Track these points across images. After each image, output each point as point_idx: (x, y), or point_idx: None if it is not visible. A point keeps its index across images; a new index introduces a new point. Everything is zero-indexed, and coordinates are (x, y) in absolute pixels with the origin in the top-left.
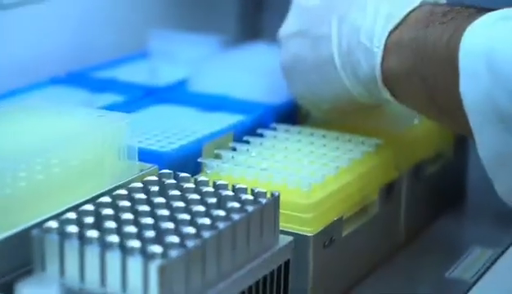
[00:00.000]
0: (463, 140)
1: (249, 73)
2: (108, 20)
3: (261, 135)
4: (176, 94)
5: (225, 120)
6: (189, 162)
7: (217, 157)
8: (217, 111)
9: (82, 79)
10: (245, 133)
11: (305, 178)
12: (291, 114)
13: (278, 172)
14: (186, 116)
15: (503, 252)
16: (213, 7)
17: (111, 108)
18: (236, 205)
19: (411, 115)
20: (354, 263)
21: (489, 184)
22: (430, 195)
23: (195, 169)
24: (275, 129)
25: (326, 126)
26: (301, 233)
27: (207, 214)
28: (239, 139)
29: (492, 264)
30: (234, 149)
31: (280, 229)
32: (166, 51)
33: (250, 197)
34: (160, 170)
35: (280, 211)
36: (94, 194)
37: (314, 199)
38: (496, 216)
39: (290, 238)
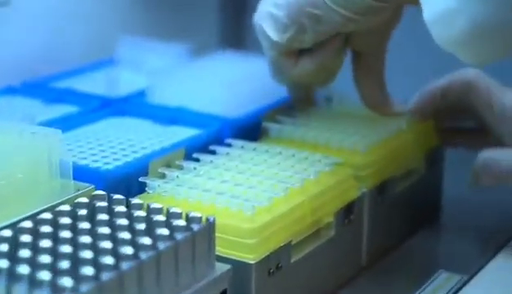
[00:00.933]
0: (436, 156)
1: (210, 84)
2: (78, 26)
3: (213, 152)
4: (133, 106)
5: (180, 134)
6: (133, 180)
7: (163, 176)
8: (174, 124)
9: (38, 89)
10: (199, 149)
11: (250, 200)
12: (251, 129)
13: (222, 194)
14: (139, 130)
15: (472, 277)
16: (195, 12)
17: (63, 119)
18: (165, 232)
19: (378, 133)
20: (306, 290)
21: (465, 202)
22: (399, 214)
23: (141, 188)
24: (229, 145)
25: (287, 142)
26: (242, 260)
27: (131, 242)
28: (191, 155)
29: (459, 290)
30: (181, 168)
31: (221, 255)
32: (133, 58)
33: (183, 223)
34: (99, 189)
35: (222, 236)
36: (17, 218)
37: (258, 223)
38: (470, 236)
39: (228, 267)
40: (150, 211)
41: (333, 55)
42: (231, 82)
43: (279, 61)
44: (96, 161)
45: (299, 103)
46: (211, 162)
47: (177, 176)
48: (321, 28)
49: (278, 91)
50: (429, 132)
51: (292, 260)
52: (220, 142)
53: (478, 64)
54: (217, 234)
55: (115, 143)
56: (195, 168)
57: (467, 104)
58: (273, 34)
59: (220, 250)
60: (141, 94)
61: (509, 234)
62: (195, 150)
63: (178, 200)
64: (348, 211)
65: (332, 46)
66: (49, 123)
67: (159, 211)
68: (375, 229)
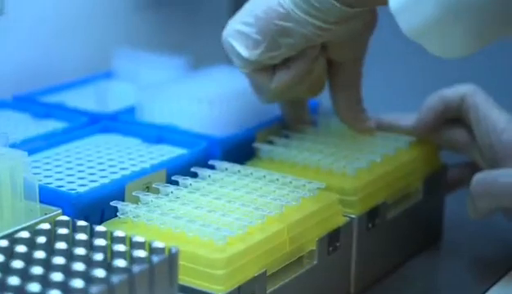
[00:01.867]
0: (437, 180)
1: (201, 102)
2: (76, 38)
3: (194, 175)
4: (121, 123)
5: (164, 154)
6: (107, 204)
7: (137, 200)
8: (160, 143)
9: (28, 103)
10: (182, 170)
11: (221, 229)
12: (242, 149)
13: (194, 221)
14: (124, 148)
15: None
16: (199, 23)
17: (48, 136)
18: (122, 264)
19: (373, 155)
20: None
21: (468, 226)
22: (394, 240)
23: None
24: (213, 167)
25: (276, 164)
26: (211, 292)
27: (84, 275)
28: (174, 176)
29: None
30: (157, 191)
31: (191, 287)
32: (129, 71)
33: (143, 253)
34: (69, 213)
35: (191, 266)
36: None
37: (228, 253)
38: (469, 264)
39: None
40: (113, 240)
41: (309, 67)
42: (224, 98)
43: (254, 78)
44: (72, 182)
45: (293, 122)
46: (190, 185)
47: (151, 201)
48: (292, 41)
49: (273, 109)
50: (430, 155)
51: (268, 291)
52: (207, 163)
53: (445, 54)
54: (186, 264)
55: (95, 163)
56: (172, 192)
57: (462, 118)
58: (244, 52)
59: (190, 281)
60: (130, 110)
61: (509, 264)
62: (177, 171)
63: (149, 227)
64: (332, 239)
65: (307, 57)
66: (34, 140)
67: (121, 239)
68: (365, 256)
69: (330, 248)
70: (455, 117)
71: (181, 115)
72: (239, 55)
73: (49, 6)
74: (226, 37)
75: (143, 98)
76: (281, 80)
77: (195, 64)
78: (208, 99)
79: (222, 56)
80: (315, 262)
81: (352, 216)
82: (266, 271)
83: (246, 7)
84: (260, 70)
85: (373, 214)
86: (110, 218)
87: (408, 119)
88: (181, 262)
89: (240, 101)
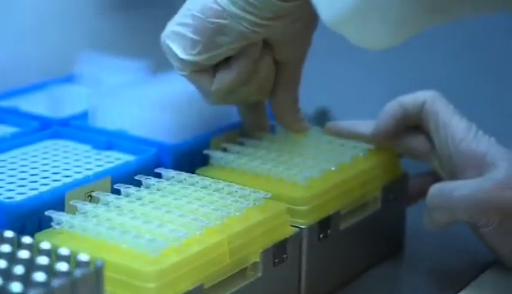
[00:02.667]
0: (397, 188)
1: (152, 107)
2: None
3: (138, 183)
4: (73, 128)
5: (112, 161)
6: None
7: (74, 209)
8: (111, 150)
9: None
10: (128, 178)
11: (156, 240)
12: (194, 156)
13: (128, 232)
14: (72, 155)
15: None
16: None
17: None
18: (41, 278)
19: (328, 163)
20: None
21: (429, 237)
22: (350, 251)
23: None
24: (159, 175)
25: (227, 172)
26: None
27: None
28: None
29: None
30: (97, 201)
31: None
32: (91, 75)
33: (65, 267)
34: (2, 223)
35: (124, 279)
36: None
37: (161, 266)
38: (431, 274)
39: None
40: (38, 252)
41: (252, 66)
42: (177, 104)
43: (194, 81)
44: (12, 190)
45: (251, 128)
46: (131, 194)
47: (89, 210)
48: (229, 40)
49: (230, 116)
50: (389, 163)
51: None
52: (149, 171)
53: (367, 45)
54: (119, 277)
55: (40, 170)
56: (112, 201)
57: (422, 126)
58: (181, 53)
59: None
60: (84, 115)
61: (471, 275)
62: (123, 179)
63: (83, 238)
64: (278, 250)
65: (248, 56)
66: None
67: (47, 252)
68: (317, 268)
69: (276, 260)
70: (415, 124)
71: (133, 121)
72: (176, 56)
73: (11, 8)
74: (164, 39)
75: (95, 103)
76: (222, 81)
77: (161, 67)
78: (160, 104)
79: None
80: (259, 274)
81: (302, 226)
82: (202, 284)
83: (184, 7)
84: (200, 72)
85: (325, 224)
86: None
87: (367, 126)
88: (114, 275)
89: (195, 107)
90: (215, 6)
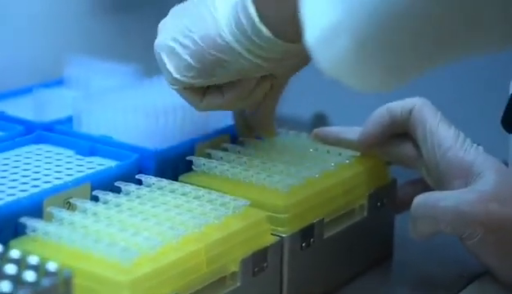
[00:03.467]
0: (385, 195)
1: (135, 113)
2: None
3: (118, 190)
4: (57, 133)
5: (95, 167)
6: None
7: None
8: (94, 156)
9: None
10: (108, 184)
11: (129, 249)
12: (178, 162)
13: (101, 241)
14: (54, 160)
15: None
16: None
17: None
18: (6, 288)
19: (311, 170)
20: None
21: (418, 245)
22: (337, 260)
23: None
24: (139, 182)
25: (209, 179)
26: None
27: None
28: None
29: None
30: (74, 208)
31: None
32: (80, 78)
33: (33, 276)
34: None
35: (97, 287)
36: None
37: (134, 275)
38: (420, 284)
39: None
40: (7, 261)
41: (244, 95)
42: (162, 110)
43: (183, 96)
44: None
45: (242, 133)
46: (109, 201)
47: (65, 217)
48: (226, 72)
49: (217, 122)
50: (376, 170)
51: None
52: (130, 177)
53: (365, 89)
54: (92, 286)
55: (20, 175)
56: (86, 210)
57: (410, 133)
58: (175, 72)
59: None
60: (69, 120)
61: (461, 285)
62: (103, 186)
63: (57, 245)
64: (258, 259)
65: (241, 87)
66: None
67: (16, 261)
68: (299, 277)
69: (256, 269)
70: (403, 131)
71: (117, 126)
72: (169, 71)
73: (2, 11)
74: (158, 50)
75: (79, 108)
76: (212, 104)
77: (151, 71)
78: (144, 110)
79: None
80: (238, 284)
81: (283, 234)
82: None
83: (183, 21)
84: (190, 89)
85: (307, 233)
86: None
87: (354, 132)
88: (86, 283)
89: (180, 113)
90: (218, 39)
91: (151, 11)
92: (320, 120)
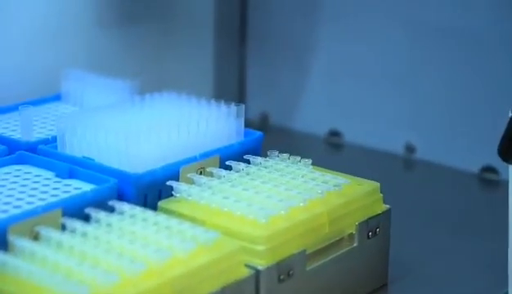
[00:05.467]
0: (379, 224)
1: (117, 135)
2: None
3: (86, 217)
4: (39, 153)
5: (71, 191)
6: None
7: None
8: (73, 178)
9: None
10: (79, 210)
11: (74, 285)
12: (159, 186)
13: (54, 276)
14: (30, 183)
15: None
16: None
17: None
18: None
19: (296, 199)
20: None
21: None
22: (322, 292)
23: None
24: (112, 210)
25: (188, 206)
26: None
27: None
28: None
29: None
30: (37, 238)
31: None
32: (76, 94)
33: None
34: None
35: None
36: None
37: None
38: None
39: None
40: None
41: None
42: (144, 132)
43: None
44: None
45: None
46: (74, 231)
47: (26, 248)
48: None
49: (205, 143)
50: (368, 197)
51: None
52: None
53: None
54: None
55: None
56: (49, 239)
57: None
58: None
59: None
60: (55, 140)
61: None
62: (75, 212)
63: (12, 279)
64: (232, 293)
65: None
66: None
67: None
68: None
69: None
70: None
71: (100, 149)
72: None
73: (4, 24)
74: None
75: (63, 128)
76: None
77: (152, 86)
78: (125, 132)
79: (182, 83)
80: None
81: (259, 267)
82: None
83: None
84: None
85: (286, 265)
86: None
87: None
88: None
89: (165, 134)
90: None
91: (157, 25)
92: (334, 137)
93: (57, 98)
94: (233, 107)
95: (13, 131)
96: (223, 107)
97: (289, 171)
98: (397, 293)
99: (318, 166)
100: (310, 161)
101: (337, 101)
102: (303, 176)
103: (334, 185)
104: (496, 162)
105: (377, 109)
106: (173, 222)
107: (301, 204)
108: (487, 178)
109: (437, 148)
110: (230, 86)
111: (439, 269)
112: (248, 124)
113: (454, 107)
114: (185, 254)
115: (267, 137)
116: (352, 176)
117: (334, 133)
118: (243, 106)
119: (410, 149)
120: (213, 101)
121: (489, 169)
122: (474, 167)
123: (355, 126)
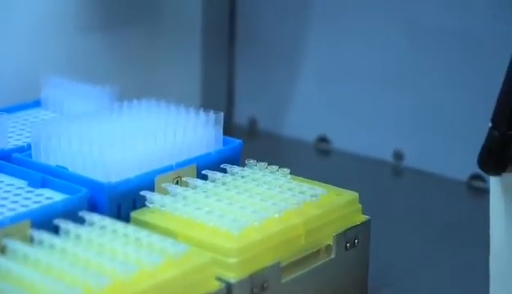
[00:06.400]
0: (358, 235)
1: (92, 144)
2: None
3: (56, 228)
4: (12, 162)
5: (41, 201)
6: None
7: None
8: (45, 187)
9: None
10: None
11: None
12: (133, 196)
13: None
14: (1, 193)
15: None
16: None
17: None
18: None
19: (265, 213)
20: None
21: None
22: None
23: None
24: (82, 221)
25: (159, 217)
26: None
27: None
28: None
29: None
30: (1, 250)
31: None
32: (56, 100)
33: None
34: None
35: None
36: None
37: None
38: None
39: None
40: None
41: None
42: (119, 141)
43: None
44: None
45: None
46: (44, 242)
47: None
48: None
49: (181, 151)
50: (347, 208)
51: None
52: (91, 210)
53: None
54: None
55: None
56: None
57: None
58: None
59: None
60: (28, 148)
61: None
62: (44, 223)
63: None
64: None
65: None
66: None
67: None
68: None
69: None
70: None
71: (74, 157)
72: None
73: None
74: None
75: (36, 136)
76: None
77: (135, 92)
78: (99, 141)
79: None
80: None
81: (231, 280)
82: None
83: None
84: None
85: (259, 277)
86: None
87: None
88: None
89: (140, 143)
90: None
91: (142, 28)
92: (323, 143)
93: (37, 104)
94: (212, 115)
95: None
96: (202, 115)
97: (266, 180)
98: None
99: (306, 172)
100: (288, 170)
101: (326, 107)
102: (279, 186)
103: (311, 196)
104: None
105: (366, 115)
106: (143, 234)
107: (276, 215)
108: (476, 186)
109: (425, 155)
110: (218, 90)
111: (426, 277)
112: (236, 129)
113: (443, 114)
114: (153, 267)
115: (255, 142)
116: (332, 186)
117: (323, 139)
118: (221, 114)
119: (398, 156)
120: (191, 109)
121: (477, 177)
122: (463, 175)
123: (344, 133)
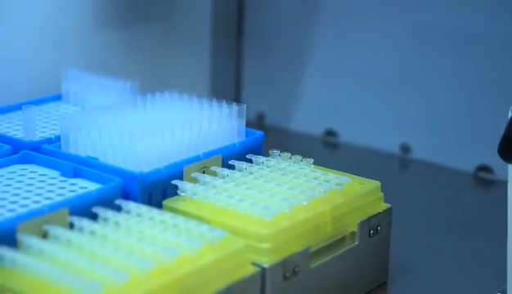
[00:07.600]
0: (380, 223)
1: (122, 135)
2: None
3: (92, 216)
4: (44, 153)
5: (76, 190)
6: None
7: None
8: (78, 177)
9: None
10: (89, 209)
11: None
12: (164, 185)
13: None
14: (36, 182)
15: None
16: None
17: None
18: None
19: (300, 198)
20: None
21: (415, 273)
22: (325, 289)
23: None
24: (118, 209)
25: (193, 205)
26: None
27: None
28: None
29: None
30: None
31: None
32: (77, 94)
33: None
34: None
35: None
36: None
37: None
38: None
39: None
40: None
41: None
42: (149, 132)
43: None
44: None
45: None
46: (84, 228)
47: (34, 246)
48: None
49: (208, 142)
50: (370, 196)
51: None
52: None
53: None
54: None
55: None
56: (61, 236)
57: None
58: None
59: None
60: (58, 139)
61: None
62: (82, 211)
63: (19, 276)
64: (236, 291)
65: None
66: None
67: None
68: None
69: None
70: None
71: (104, 148)
72: None
73: (3, 25)
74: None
75: (66, 128)
76: None
77: (153, 87)
78: (130, 132)
79: (179, 83)
80: None
81: (264, 265)
82: None
83: None
84: None
85: (290, 262)
86: None
87: None
88: None
89: (169, 134)
90: None
91: (155, 25)
92: (330, 137)
93: (57, 98)
94: (235, 107)
95: (16, 130)
96: (225, 107)
97: (291, 170)
98: (396, 292)
99: (314, 165)
100: (312, 160)
101: (333, 101)
102: (305, 175)
103: (337, 184)
104: (492, 161)
105: (373, 108)
106: (180, 220)
107: (304, 203)
108: (483, 177)
109: (432, 147)
110: (226, 85)
111: (434, 268)
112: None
113: (449, 106)
114: (193, 252)
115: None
116: (354, 175)
117: (330, 133)
118: (244, 106)
119: (405, 148)
120: (214, 101)
121: (484, 168)
122: (469, 167)
123: (351, 126)
